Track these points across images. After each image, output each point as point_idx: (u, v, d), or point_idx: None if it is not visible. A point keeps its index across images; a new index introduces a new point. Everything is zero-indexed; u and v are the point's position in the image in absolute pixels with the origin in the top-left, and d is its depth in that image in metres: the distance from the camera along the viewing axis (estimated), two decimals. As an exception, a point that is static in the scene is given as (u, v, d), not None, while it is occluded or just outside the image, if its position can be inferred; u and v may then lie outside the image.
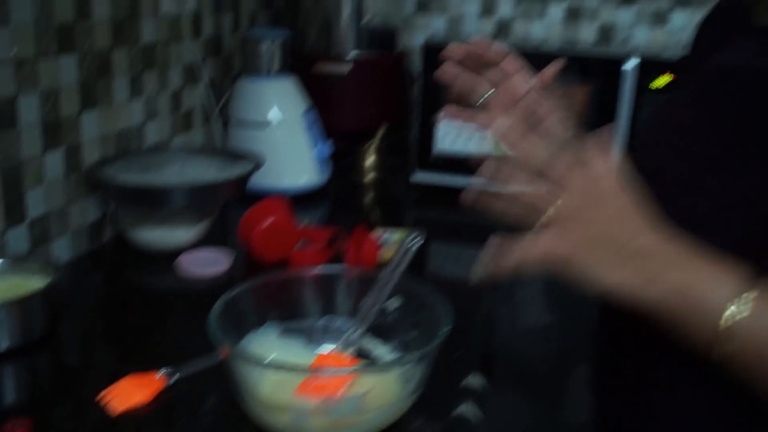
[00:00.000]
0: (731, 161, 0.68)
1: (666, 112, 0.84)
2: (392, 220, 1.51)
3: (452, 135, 1.70)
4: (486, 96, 0.83)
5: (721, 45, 0.78)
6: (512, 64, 0.84)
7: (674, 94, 0.86)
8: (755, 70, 0.70)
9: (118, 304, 1.15)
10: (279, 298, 0.97)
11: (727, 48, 0.77)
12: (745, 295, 0.60)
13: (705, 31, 0.91)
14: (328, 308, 0.98)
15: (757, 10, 0.77)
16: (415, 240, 0.93)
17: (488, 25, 2.15)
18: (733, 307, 0.59)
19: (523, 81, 0.82)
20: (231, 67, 1.82)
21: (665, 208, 0.67)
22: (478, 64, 0.86)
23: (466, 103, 0.85)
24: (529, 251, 0.66)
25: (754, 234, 0.64)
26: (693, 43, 0.92)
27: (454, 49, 0.87)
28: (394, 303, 0.94)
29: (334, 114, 1.82)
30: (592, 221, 0.65)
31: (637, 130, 0.86)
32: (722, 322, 0.59)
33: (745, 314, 0.59)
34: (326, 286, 0.98)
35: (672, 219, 0.66)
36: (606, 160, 0.67)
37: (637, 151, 0.82)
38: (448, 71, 0.87)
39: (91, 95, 1.29)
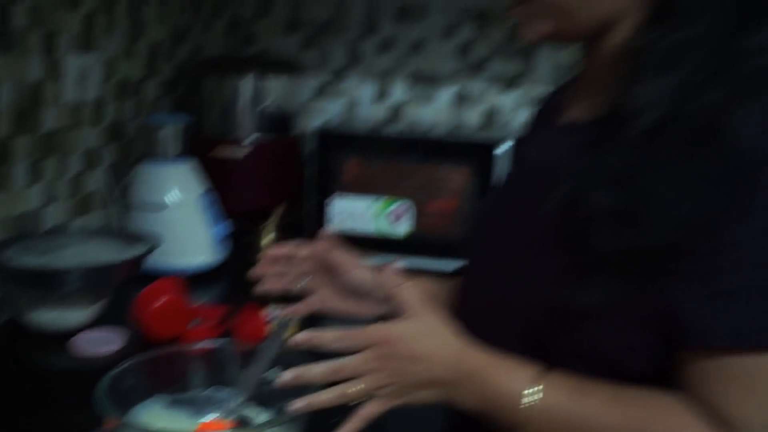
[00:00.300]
0: (537, 246, 0.80)
1: (492, 197, 0.98)
2: (285, 297, 1.59)
3: (344, 214, 1.80)
4: (303, 283, 1.07)
5: (533, 139, 0.91)
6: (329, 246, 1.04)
7: (507, 178, 0.99)
8: (546, 160, 0.83)
9: (10, 384, 1.18)
10: (167, 371, 1.02)
11: (536, 142, 0.89)
12: (535, 387, 0.74)
13: (528, 127, 1.04)
14: (214, 380, 1.04)
15: (564, 113, 0.89)
16: (290, 318, 1.01)
17: (381, 110, 2.28)
18: (525, 399, 0.73)
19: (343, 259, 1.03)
20: (132, 151, 1.88)
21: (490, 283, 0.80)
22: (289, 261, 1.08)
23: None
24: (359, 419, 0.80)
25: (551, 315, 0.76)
26: (520, 137, 1.05)
27: (266, 256, 1.11)
28: (274, 373, 1.01)
29: (232, 195, 1.90)
30: (397, 382, 0.78)
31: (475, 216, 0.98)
32: (520, 409, 0.74)
33: (536, 401, 0.73)
34: (212, 359, 1.05)
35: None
36: (398, 328, 0.79)
37: (472, 233, 0.95)
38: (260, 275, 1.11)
39: (-10, 181, 1.34)
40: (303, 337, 0.82)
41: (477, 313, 0.88)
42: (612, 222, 0.70)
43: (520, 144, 1.03)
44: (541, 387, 0.74)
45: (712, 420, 0.68)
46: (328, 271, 1.06)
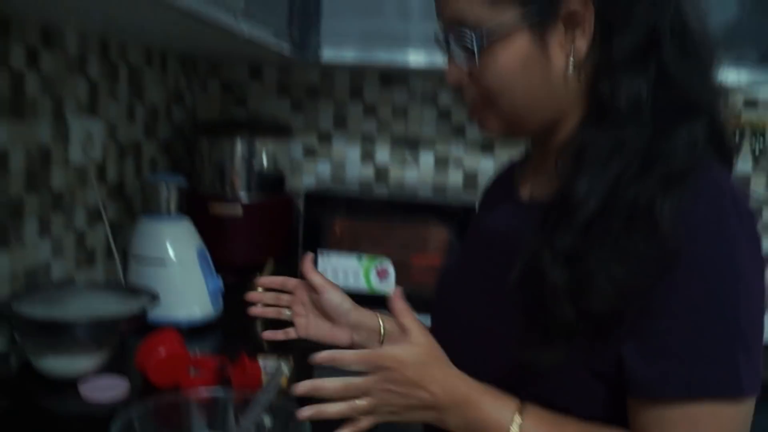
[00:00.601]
0: (501, 310, 0.92)
1: (453, 260, 1.10)
2: (277, 348, 1.68)
3: (332, 270, 1.90)
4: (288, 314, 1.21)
5: (492, 210, 1.04)
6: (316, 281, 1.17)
7: (462, 245, 1.11)
8: (506, 233, 0.95)
9: (22, 427, 1.27)
10: (169, 418, 1.12)
11: (494, 213, 1.02)
12: (519, 417, 0.85)
13: (486, 196, 1.18)
14: (214, 426, 1.13)
15: (519, 188, 1.03)
16: (285, 366, 1.11)
17: (368, 170, 2.40)
18: (512, 427, 0.84)
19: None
20: (132, 207, 1.99)
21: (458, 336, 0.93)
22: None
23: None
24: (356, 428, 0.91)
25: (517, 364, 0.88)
26: (479, 204, 1.18)
27: (261, 284, 1.25)
28: (267, 419, 1.11)
29: (226, 250, 2.00)
30: (399, 403, 0.89)
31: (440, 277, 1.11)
32: None
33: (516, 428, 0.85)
34: (211, 406, 1.14)
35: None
36: (397, 357, 0.89)
37: (436, 295, 1.09)
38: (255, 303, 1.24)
39: (3, 236, 1.44)
40: (305, 388, 0.91)
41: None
42: (564, 292, 0.82)
43: (479, 211, 1.16)
44: (522, 419, 0.85)
45: None
46: (309, 294, 1.19)
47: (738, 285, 0.79)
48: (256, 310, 1.23)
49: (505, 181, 1.10)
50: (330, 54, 1.95)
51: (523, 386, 0.87)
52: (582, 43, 0.85)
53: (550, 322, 0.83)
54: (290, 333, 1.21)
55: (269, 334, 1.22)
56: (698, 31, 0.87)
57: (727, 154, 0.89)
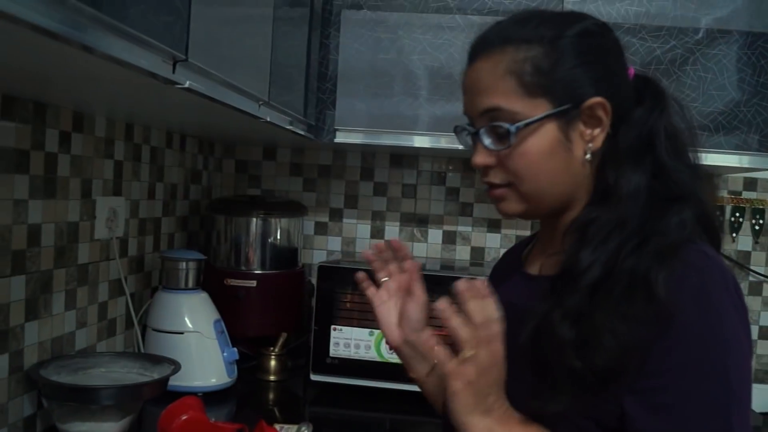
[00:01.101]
0: (515, 368, 0.98)
1: None
2: (291, 417, 1.75)
3: (344, 343, 1.97)
4: (382, 281, 1.25)
5: (501, 285, 1.12)
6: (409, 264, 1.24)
7: None
8: (515, 305, 1.02)
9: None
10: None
11: (504, 287, 1.11)
12: None
13: (497, 270, 1.28)
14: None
15: (527, 263, 1.14)
16: (306, 429, 1.18)
17: (377, 246, 2.49)
18: None
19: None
20: (150, 280, 2.07)
21: None
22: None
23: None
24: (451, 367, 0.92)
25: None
26: (489, 281, 1.27)
27: (374, 247, 1.27)
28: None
29: (240, 322, 2.08)
30: (483, 375, 0.92)
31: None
32: None
33: None
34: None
35: None
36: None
37: None
38: (367, 256, 1.28)
39: (34, 308, 1.52)
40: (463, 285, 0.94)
41: None
42: (571, 347, 0.91)
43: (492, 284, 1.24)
44: None
45: None
46: (405, 290, 1.24)
47: (728, 347, 0.89)
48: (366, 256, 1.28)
49: (514, 259, 1.21)
50: (342, 136, 2.05)
51: None
52: (600, 136, 0.99)
53: (557, 374, 0.91)
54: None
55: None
56: (686, 132, 1.02)
57: (713, 232, 1.00)
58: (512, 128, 0.97)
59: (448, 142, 1.98)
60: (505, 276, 1.19)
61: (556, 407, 0.92)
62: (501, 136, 0.99)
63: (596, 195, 1.01)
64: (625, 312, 0.89)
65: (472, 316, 0.92)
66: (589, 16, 1.03)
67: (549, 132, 0.98)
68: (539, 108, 0.97)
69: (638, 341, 0.88)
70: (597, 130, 0.99)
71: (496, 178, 1.03)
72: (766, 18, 1.94)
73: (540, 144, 0.98)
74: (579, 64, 0.98)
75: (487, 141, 1.01)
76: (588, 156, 1.00)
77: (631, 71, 1.05)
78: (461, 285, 0.94)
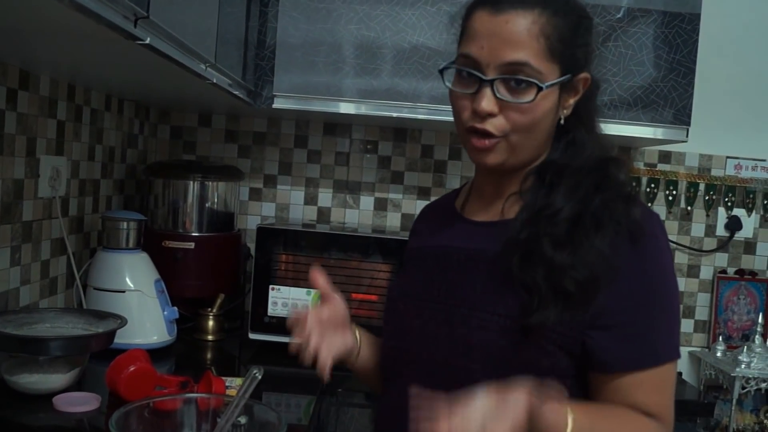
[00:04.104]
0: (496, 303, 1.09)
1: (408, 282, 1.25)
2: (230, 374, 1.81)
3: (282, 302, 2.04)
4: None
5: (443, 230, 1.21)
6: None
7: (412, 267, 1.27)
8: (466, 248, 1.14)
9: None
10: (151, 422, 1.24)
11: (443, 234, 1.21)
12: (569, 414, 0.97)
13: (421, 228, 1.34)
14: (194, 428, 1.26)
15: (466, 210, 1.24)
16: (258, 372, 1.24)
17: (311, 212, 2.56)
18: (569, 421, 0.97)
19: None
20: (89, 241, 2.10)
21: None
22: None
23: None
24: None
25: None
26: (413, 232, 1.36)
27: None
28: (242, 419, 1.24)
29: (179, 283, 2.12)
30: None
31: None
32: None
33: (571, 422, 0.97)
34: (191, 412, 1.27)
35: None
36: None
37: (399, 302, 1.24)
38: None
39: (-19, 262, 1.55)
40: None
41: (420, 350, 1.16)
42: (559, 268, 1.04)
43: (419, 242, 1.31)
44: (573, 414, 0.97)
45: (649, 416, 1.05)
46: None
47: (672, 275, 1.10)
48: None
49: (443, 212, 1.29)
50: (280, 103, 2.11)
51: (511, 354, 1.06)
52: (572, 104, 1.14)
53: (544, 292, 1.04)
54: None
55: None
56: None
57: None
58: (543, 86, 1.06)
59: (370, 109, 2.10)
60: (444, 224, 1.26)
61: (540, 319, 1.03)
62: (520, 91, 1.07)
63: (555, 151, 1.16)
64: (597, 239, 1.04)
65: None
66: None
67: (554, 95, 1.10)
68: (554, 73, 1.08)
69: (607, 260, 1.03)
70: (572, 100, 1.13)
71: (493, 127, 1.09)
72: (682, -1, 2.08)
73: (546, 105, 1.09)
74: (584, 42, 1.12)
75: (501, 90, 1.08)
76: (562, 121, 1.14)
77: None
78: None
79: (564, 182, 1.10)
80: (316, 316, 1.18)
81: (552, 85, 1.07)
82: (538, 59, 1.06)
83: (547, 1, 1.08)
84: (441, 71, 1.15)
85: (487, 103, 1.07)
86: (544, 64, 1.06)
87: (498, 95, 1.07)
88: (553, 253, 1.05)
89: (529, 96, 1.06)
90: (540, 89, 1.06)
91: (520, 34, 1.05)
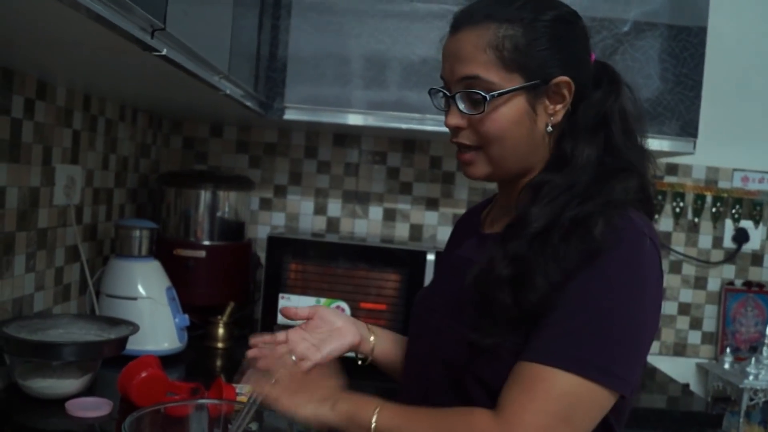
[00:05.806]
0: (457, 309, 1.12)
1: (428, 289, 1.31)
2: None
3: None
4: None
5: (460, 244, 1.24)
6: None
7: (435, 275, 1.33)
8: (471, 260, 1.15)
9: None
10: (167, 426, 1.26)
11: (462, 246, 1.24)
12: (378, 410, 1.05)
13: (458, 229, 1.39)
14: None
15: (485, 224, 1.26)
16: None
17: (320, 222, 2.59)
18: (374, 418, 1.04)
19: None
20: (102, 249, 2.13)
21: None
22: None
23: None
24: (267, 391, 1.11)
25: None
26: (448, 242, 1.40)
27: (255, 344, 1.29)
28: (253, 425, 1.26)
29: (190, 291, 2.15)
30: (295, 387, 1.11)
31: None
32: (371, 427, 1.04)
33: (377, 421, 1.04)
34: (202, 418, 1.29)
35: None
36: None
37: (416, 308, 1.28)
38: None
39: (-3, 268, 1.58)
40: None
41: (419, 357, 1.21)
42: (507, 286, 1.03)
43: (446, 250, 1.38)
44: (380, 411, 1.05)
45: (498, 415, 1.00)
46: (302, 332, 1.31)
47: (642, 293, 1.02)
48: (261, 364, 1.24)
49: (471, 221, 1.32)
50: (291, 114, 2.14)
51: (468, 368, 1.08)
52: (561, 111, 1.12)
53: (495, 311, 1.04)
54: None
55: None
56: (635, 115, 1.16)
57: (649, 202, 1.14)
58: (488, 96, 1.08)
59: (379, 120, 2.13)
60: (465, 236, 1.30)
61: (492, 339, 1.04)
62: (476, 102, 1.10)
63: (551, 164, 1.13)
64: (558, 254, 1.02)
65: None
66: (563, 3, 1.15)
67: (518, 103, 1.10)
68: (513, 81, 1.09)
69: (564, 277, 1.01)
70: (559, 106, 1.12)
71: (465, 139, 1.14)
72: (688, 12, 2.10)
73: (509, 113, 1.10)
74: (551, 46, 1.10)
75: (461, 105, 1.11)
76: (549, 128, 1.12)
77: (593, 57, 1.18)
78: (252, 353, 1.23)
79: (544, 195, 1.09)
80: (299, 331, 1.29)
81: (503, 93, 1.08)
82: (490, 71, 1.08)
83: (495, 14, 1.10)
84: (430, 93, 1.20)
85: (451, 117, 1.14)
86: (499, 75, 1.08)
87: (460, 109, 1.12)
88: (500, 268, 1.05)
89: (481, 107, 1.09)
90: (485, 99, 1.08)
91: (467, 50, 1.10)
